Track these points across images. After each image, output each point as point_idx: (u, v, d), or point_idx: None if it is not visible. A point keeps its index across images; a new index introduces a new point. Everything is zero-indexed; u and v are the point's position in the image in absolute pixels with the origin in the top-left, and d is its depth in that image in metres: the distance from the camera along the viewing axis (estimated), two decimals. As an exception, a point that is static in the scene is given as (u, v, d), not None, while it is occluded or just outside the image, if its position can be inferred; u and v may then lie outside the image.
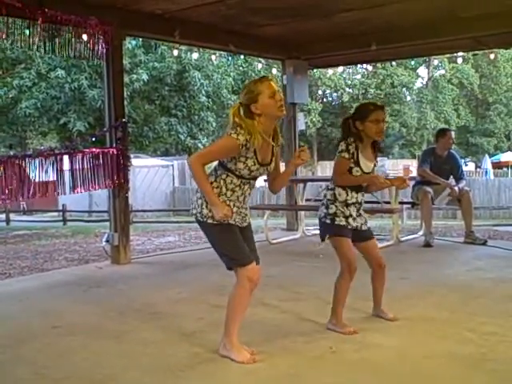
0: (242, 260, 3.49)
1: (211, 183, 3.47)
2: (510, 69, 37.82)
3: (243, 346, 3.61)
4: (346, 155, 3.98)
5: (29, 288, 5.89)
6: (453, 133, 8.23)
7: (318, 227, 4.20)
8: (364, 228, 4.12)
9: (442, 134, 8.13)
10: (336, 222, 4.01)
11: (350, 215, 4.04)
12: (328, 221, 4.03)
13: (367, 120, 3.99)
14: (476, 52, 11.63)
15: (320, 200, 9.53)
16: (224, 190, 3.48)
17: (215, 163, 3.58)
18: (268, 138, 3.49)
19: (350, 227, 4.04)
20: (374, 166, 4.18)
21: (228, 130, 3.46)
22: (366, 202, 4.58)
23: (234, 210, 3.52)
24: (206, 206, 3.47)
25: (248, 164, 3.44)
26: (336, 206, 4.02)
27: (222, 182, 3.48)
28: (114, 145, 6.69)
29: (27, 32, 5.87)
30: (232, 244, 3.52)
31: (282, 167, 3.78)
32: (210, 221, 3.48)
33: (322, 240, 4.13)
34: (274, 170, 3.64)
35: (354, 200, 4.05)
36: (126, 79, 16.06)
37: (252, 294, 3.60)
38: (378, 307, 4.38)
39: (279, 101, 3.44)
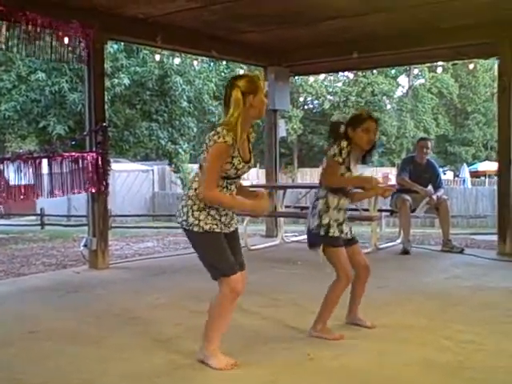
0: (226, 270, 3.46)
1: (195, 190, 3.44)
2: (489, 79, 38.22)
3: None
4: (340, 159, 3.97)
5: (5, 292, 5.82)
6: (429, 142, 8.36)
7: (307, 237, 4.16)
8: (349, 236, 4.16)
9: (417, 142, 8.51)
10: (330, 234, 4.00)
11: (342, 221, 4.07)
12: (322, 232, 4.00)
13: (359, 128, 4.02)
14: (456, 62, 11.75)
15: (299, 207, 9.44)
16: None
17: (196, 170, 3.54)
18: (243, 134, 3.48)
19: (343, 236, 4.06)
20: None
21: (210, 138, 3.38)
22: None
23: (223, 213, 3.49)
24: (192, 215, 3.43)
25: (234, 163, 3.41)
26: (329, 217, 4.01)
27: None
28: (94, 149, 6.65)
29: (7, 34, 5.82)
30: (217, 253, 3.48)
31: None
32: (195, 229, 3.44)
33: (311, 248, 4.11)
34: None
35: (344, 206, 4.09)
36: (107, 83, 15.94)
37: (236, 302, 3.59)
38: (354, 315, 4.38)
39: (265, 103, 3.52)
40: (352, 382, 3.36)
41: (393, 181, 8.34)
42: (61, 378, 3.45)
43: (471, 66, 11.11)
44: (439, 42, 7.69)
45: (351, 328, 4.33)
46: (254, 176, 23.88)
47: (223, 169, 3.40)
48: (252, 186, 3.61)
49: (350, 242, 4.17)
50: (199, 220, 3.42)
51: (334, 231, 4.01)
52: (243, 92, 3.41)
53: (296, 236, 9.49)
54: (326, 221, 4.01)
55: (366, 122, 4.05)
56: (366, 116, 4.11)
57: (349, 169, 4.03)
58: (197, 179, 3.49)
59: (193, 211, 3.44)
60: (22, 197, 6.07)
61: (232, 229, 3.61)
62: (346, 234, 4.11)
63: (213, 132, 3.39)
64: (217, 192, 3.39)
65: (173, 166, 22.81)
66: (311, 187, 11.40)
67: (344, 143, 3.99)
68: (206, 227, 3.43)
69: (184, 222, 3.47)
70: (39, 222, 18.50)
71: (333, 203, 4.03)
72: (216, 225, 3.46)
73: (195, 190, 3.44)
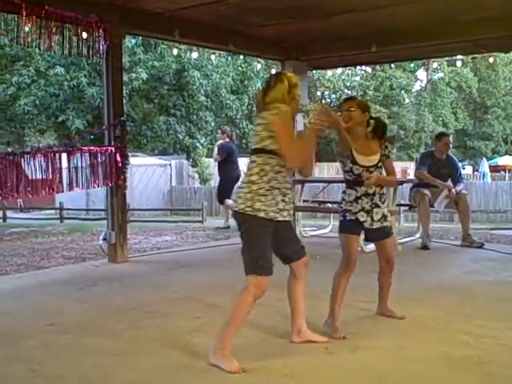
0: (265, 270, 3.46)
1: (256, 174, 3.45)
2: (509, 73, 37.82)
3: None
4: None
5: (25, 285, 5.88)
6: (450, 137, 8.27)
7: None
8: (376, 226, 4.13)
9: (438, 138, 8.28)
10: (347, 218, 4.10)
11: (363, 208, 4.08)
12: (341, 218, 4.15)
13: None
14: (475, 55, 11.64)
15: (317, 201, 9.42)
16: (272, 174, 3.46)
17: (253, 157, 3.54)
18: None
19: (366, 224, 4.09)
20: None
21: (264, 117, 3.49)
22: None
23: (286, 199, 3.53)
24: (260, 200, 3.42)
25: None
26: (346, 206, 4.13)
27: (267, 166, 3.45)
28: (113, 143, 6.69)
29: (26, 29, 5.85)
30: (264, 249, 3.48)
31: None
32: (261, 215, 3.42)
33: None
34: None
35: (362, 193, 4.10)
36: (125, 78, 16.04)
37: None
38: (385, 306, 4.44)
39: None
40: (370, 377, 3.35)
41: (411, 175, 8.29)
42: (79, 370, 3.47)
43: (491, 60, 11.00)
44: (458, 35, 7.60)
45: (370, 321, 4.33)
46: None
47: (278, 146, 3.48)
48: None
49: (381, 236, 4.19)
50: (266, 206, 3.43)
51: (349, 216, 4.09)
52: (289, 85, 3.56)
53: (314, 230, 9.47)
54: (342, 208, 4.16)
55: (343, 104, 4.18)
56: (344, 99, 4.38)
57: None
58: (254, 163, 3.49)
59: (259, 196, 3.43)
60: (41, 191, 6.11)
61: (289, 218, 3.64)
62: (370, 223, 4.10)
63: (266, 113, 3.48)
64: (297, 150, 3.48)
65: (190, 160, 22.86)
66: (329, 181, 11.40)
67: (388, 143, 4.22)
68: (271, 214, 3.45)
69: (248, 208, 3.43)
70: (58, 216, 18.63)
71: (349, 197, 4.11)
72: (281, 212, 3.50)
73: (257, 174, 3.45)
